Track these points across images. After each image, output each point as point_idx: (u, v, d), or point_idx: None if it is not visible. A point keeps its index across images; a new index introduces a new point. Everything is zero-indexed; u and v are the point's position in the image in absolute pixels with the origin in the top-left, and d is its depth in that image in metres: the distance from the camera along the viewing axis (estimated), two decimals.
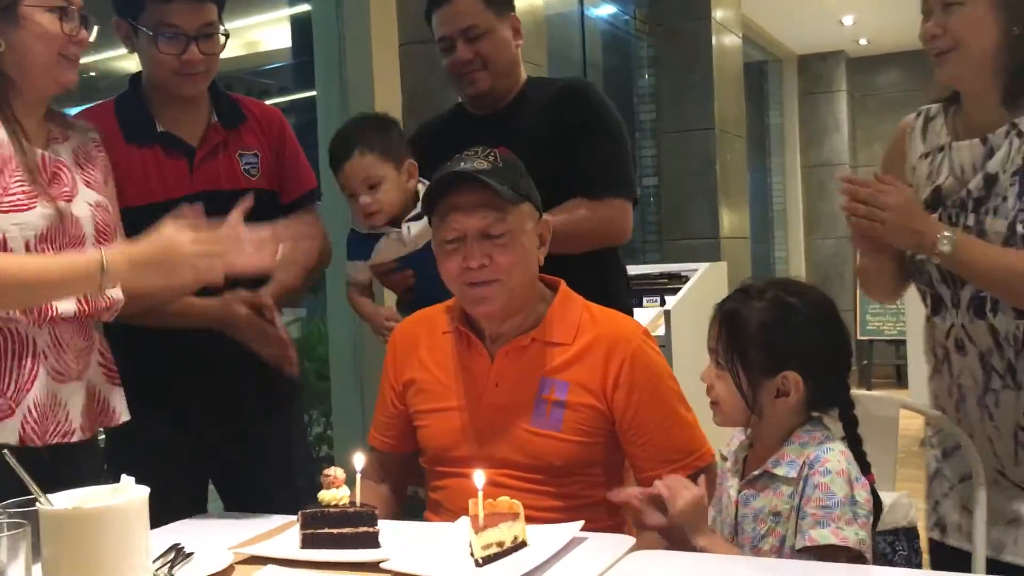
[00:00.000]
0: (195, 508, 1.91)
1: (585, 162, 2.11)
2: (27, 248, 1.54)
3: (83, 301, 1.62)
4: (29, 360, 1.58)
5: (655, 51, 5.39)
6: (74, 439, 1.63)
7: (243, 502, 1.98)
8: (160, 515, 1.63)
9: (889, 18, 6.94)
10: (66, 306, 1.59)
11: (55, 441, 1.59)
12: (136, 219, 1.74)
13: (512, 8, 2.19)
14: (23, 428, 1.56)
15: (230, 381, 1.95)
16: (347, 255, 2.12)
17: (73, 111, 1.90)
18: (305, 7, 3.17)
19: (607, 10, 5.29)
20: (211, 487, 2.11)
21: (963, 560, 1.69)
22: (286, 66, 3.48)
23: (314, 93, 3.01)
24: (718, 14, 5.27)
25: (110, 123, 1.91)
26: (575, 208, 2.08)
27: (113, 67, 4.35)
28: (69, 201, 1.63)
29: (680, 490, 1.45)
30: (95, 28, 1.66)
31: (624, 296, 2.30)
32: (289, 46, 3.38)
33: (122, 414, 1.75)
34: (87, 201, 1.67)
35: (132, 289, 1.66)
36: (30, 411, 1.57)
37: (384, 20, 2.93)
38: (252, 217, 1.69)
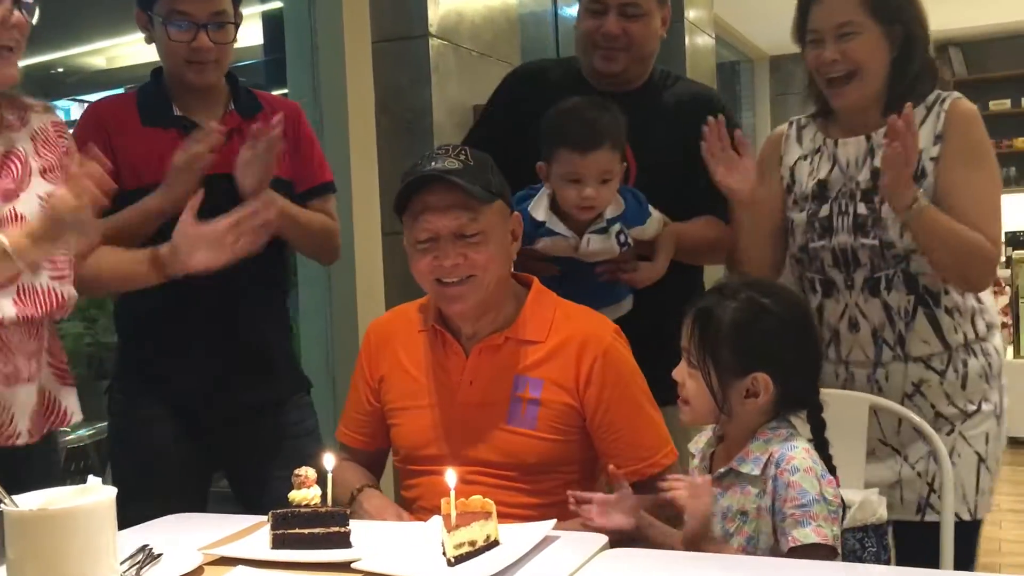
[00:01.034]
0: (196, 504, 1.94)
1: (717, 190, 2.02)
2: None
3: (23, 303, 1.58)
4: None
5: None
6: (19, 442, 1.60)
7: (252, 498, 2.00)
8: (161, 511, 1.66)
9: None
10: (6, 311, 1.56)
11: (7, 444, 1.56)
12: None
13: (668, 1, 2.13)
14: None
15: (235, 372, 1.97)
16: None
17: (93, 97, 1.87)
18: (277, 4, 3.15)
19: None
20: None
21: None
22: (258, 63, 3.45)
23: (286, 91, 2.98)
24: (691, 14, 5.29)
25: (129, 109, 1.96)
26: (717, 227, 2.07)
27: (81, 63, 4.31)
28: (15, 197, 1.60)
29: (699, 498, 1.43)
30: (35, 12, 1.59)
31: None
32: (261, 43, 3.34)
33: (74, 414, 1.73)
34: (38, 193, 1.64)
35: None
36: None
37: (357, 17, 2.92)
38: None
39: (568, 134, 1.92)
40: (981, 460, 1.90)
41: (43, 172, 1.68)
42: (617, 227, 1.97)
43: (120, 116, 1.94)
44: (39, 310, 1.61)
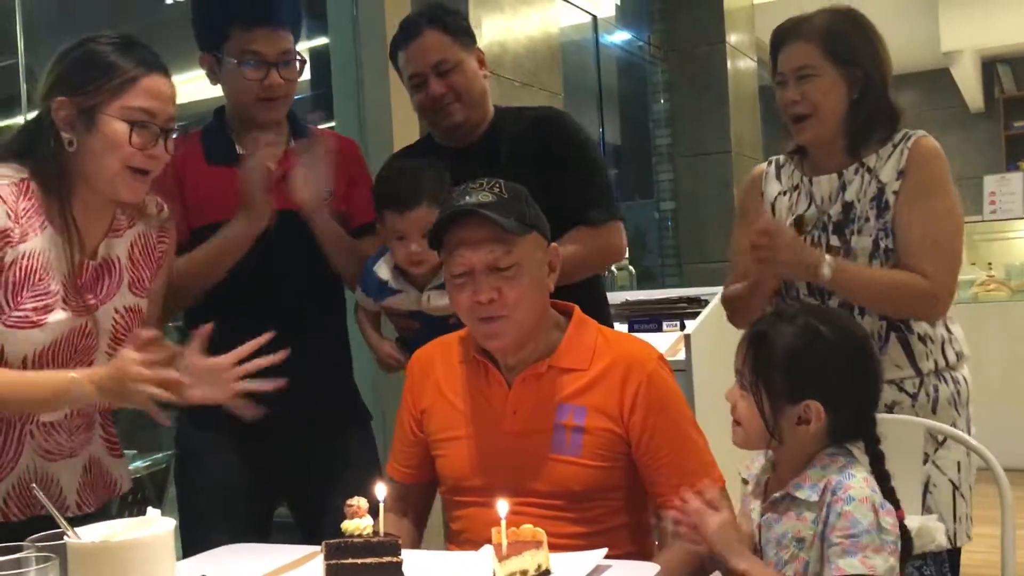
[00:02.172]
0: (261, 533, 1.97)
1: (578, 193, 2.13)
2: (23, 362, 1.55)
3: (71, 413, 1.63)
4: (14, 441, 1.59)
5: (670, 76, 5.42)
6: (68, 515, 1.61)
7: (313, 527, 2.03)
8: (227, 540, 1.70)
9: (900, 39, 6.92)
10: (51, 416, 1.61)
11: (41, 513, 1.55)
12: (215, 233, 1.93)
13: (475, 41, 2.23)
14: (6, 504, 1.58)
15: (299, 402, 1.98)
16: (361, 283, 2.10)
17: None
18: (323, 40, 3.21)
19: (621, 36, 5.33)
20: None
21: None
22: (305, 98, 3.51)
23: (333, 124, 3.04)
24: (732, 38, 5.29)
25: (195, 149, 2.03)
26: (582, 238, 2.11)
27: None
28: (95, 310, 1.64)
29: (706, 515, 1.44)
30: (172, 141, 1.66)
31: (609, 321, 2.30)
32: (308, 78, 3.41)
33: (124, 485, 1.78)
34: (117, 307, 1.68)
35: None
36: (13, 488, 1.59)
37: None
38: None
39: (388, 195, 2.02)
40: (955, 488, 1.93)
41: (131, 284, 1.71)
42: None
43: (187, 157, 1.99)
44: (88, 408, 1.66)
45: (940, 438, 1.91)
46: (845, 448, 1.49)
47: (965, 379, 1.99)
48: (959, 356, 1.99)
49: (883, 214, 1.91)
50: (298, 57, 2.02)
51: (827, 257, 1.87)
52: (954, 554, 1.95)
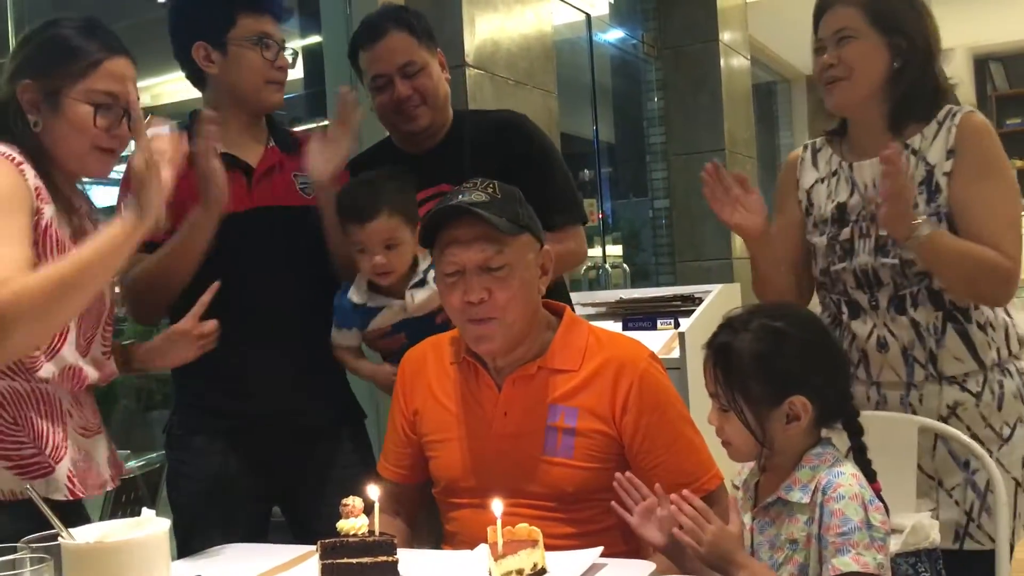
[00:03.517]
0: (257, 534, 1.98)
1: (539, 196, 2.04)
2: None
3: (97, 369, 1.67)
4: (60, 420, 1.62)
5: (663, 74, 5.42)
6: (108, 488, 1.69)
7: (306, 528, 2.03)
8: (222, 541, 1.72)
9: None
10: (91, 375, 1.65)
11: (95, 494, 1.65)
12: None
13: (437, 44, 2.21)
14: (71, 482, 1.60)
15: (293, 396, 2.02)
16: (336, 322, 2.05)
17: None
18: (317, 39, 3.21)
19: (615, 35, 5.32)
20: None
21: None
22: (298, 96, 3.51)
23: (326, 123, 3.03)
24: (725, 36, 5.29)
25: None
26: (554, 238, 2.05)
27: None
28: None
29: (700, 527, 1.42)
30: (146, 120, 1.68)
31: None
32: (301, 77, 3.41)
33: (122, 464, 1.82)
34: None
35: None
36: (74, 466, 1.61)
37: None
38: (307, 235, 1.98)
39: (348, 207, 1.99)
40: (1018, 485, 1.85)
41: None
42: (428, 268, 1.98)
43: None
44: (103, 373, 1.70)
45: (1005, 433, 1.84)
46: (831, 444, 1.49)
47: None
48: (1021, 344, 1.89)
49: (934, 198, 1.81)
50: (291, 49, 2.06)
51: (922, 217, 1.76)
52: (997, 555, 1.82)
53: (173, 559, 1.67)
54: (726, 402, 1.47)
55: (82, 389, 1.66)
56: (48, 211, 1.57)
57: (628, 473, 1.56)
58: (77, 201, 1.69)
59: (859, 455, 1.49)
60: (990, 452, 1.82)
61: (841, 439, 1.53)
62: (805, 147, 2.06)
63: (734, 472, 1.64)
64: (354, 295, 2.03)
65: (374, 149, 2.33)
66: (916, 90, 1.86)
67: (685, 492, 1.48)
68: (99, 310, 1.68)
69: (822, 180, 1.98)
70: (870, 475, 1.47)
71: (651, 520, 1.50)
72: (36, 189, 1.56)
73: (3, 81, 1.65)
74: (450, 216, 1.64)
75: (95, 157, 1.65)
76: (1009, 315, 1.89)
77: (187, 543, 1.93)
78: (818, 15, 1.93)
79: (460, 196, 1.64)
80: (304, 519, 2.08)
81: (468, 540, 1.63)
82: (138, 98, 1.68)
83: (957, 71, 8.05)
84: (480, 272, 1.63)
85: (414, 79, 2.11)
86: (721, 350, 1.48)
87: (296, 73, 3.37)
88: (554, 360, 1.70)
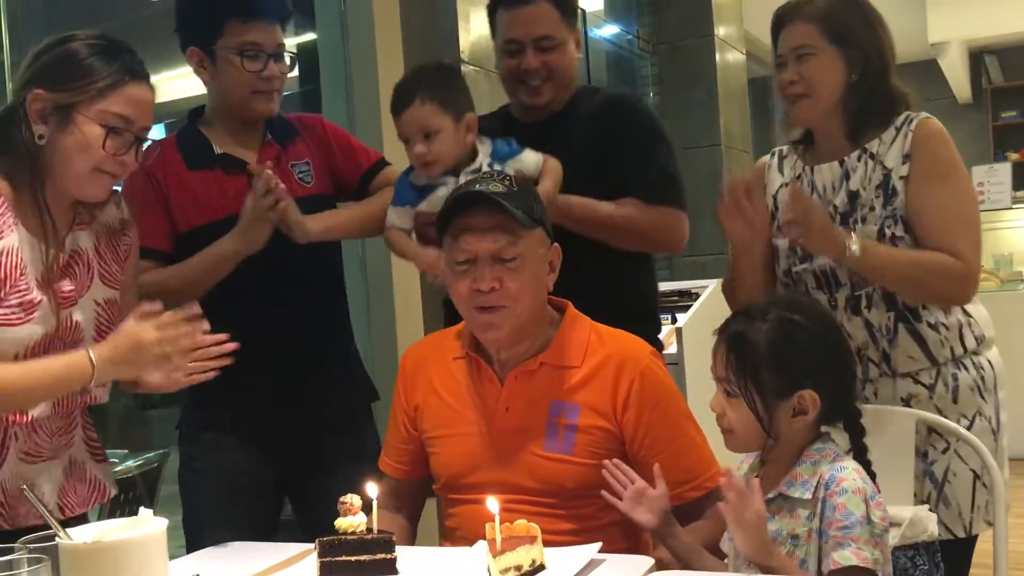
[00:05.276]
0: (268, 531, 1.98)
1: (637, 172, 2.09)
2: (15, 358, 1.54)
3: (58, 403, 1.62)
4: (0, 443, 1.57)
5: (659, 69, 5.41)
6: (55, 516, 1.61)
7: (317, 523, 2.01)
8: (230, 538, 1.72)
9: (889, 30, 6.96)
10: (41, 410, 1.59)
11: (30, 523, 1.55)
12: (202, 238, 1.93)
13: (578, 22, 2.16)
14: None
15: (301, 389, 2.01)
16: (393, 201, 2.03)
17: None
18: (311, 36, 3.20)
19: (610, 30, 5.32)
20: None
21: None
22: (294, 95, 3.50)
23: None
24: (720, 31, 5.28)
25: (173, 156, 2.00)
26: (638, 206, 2.07)
27: None
28: (73, 305, 1.62)
29: (746, 505, 1.38)
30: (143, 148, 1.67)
31: (652, 313, 2.27)
32: (296, 75, 3.40)
33: (110, 490, 1.76)
34: (95, 299, 1.67)
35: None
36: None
37: (390, 47, 2.96)
38: None
39: (392, 103, 1.98)
40: (976, 476, 1.87)
41: (103, 277, 1.70)
42: (488, 161, 1.97)
43: (167, 166, 1.98)
44: (70, 405, 1.64)
45: (963, 424, 1.85)
46: (831, 440, 1.50)
47: (991, 363, 1.92)
48: (980, 340, 1.92)
49: (891, 201, 1.87)
50: (289, 53, 2.02)
51: (853, 235, 1.82)
52: (967, 543, 1.89)
53: (180, 555, 1.68)
54: (737, 388, 1.47)
55: (17, 425, 1.59)
56: (9, 240, 1.54)
57: (615, 460, 1.57)
58: (63, 225, 1.64)
59: (860, 455, 1.49)
60: (948, 445, 1.87)
61: (840, 436, 1.53)
62: (773, 154, 2.11)
63: (734, 466, 1.64)
64: (414, 177, 2.00)
65: (488, 116, 2.26)
66: (873, 99, 1.92)
67: (726, 470, 1.47)
68: (73, 339, 1.63)
69: (786, 184, 2.03)
70: (870, 476, 1.47)
71: (641, 502, 1.52)
72: None
73: (14, 88, 1.62)
74: (468, 203, 1.64)
75: (95, 180, 1.61)
76: (967, 313, 1.92)
77: (196, 538, 1.92)
78: (776, 30, 1.98)
79: (477, 185, 1.65)
80: (312, 513, 2.07)
81: (469, 536, 1.63)
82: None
83: (952, 64, 8.06)
84: (492, 262, 1.63)
85: (547, 54, 2.06)
86: (737, 337, 1.49)
87: (291, 71, 3.37)
88: (557, 356, 1.70)
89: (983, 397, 1.90)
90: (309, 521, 2.09)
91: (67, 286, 1.62)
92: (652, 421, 1.65)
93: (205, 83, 2.04)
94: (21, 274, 1.55)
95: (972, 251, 1.84)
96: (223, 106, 2.05)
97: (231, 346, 1.65)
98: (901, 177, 1.87)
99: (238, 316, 1.83)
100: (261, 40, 1.96)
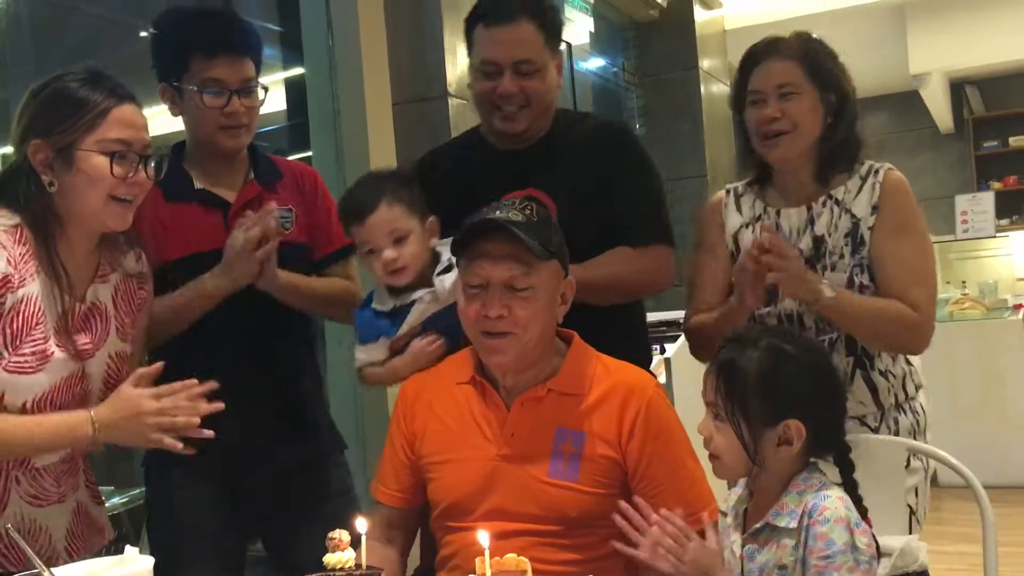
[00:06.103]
0: (234, 570, 1.96)
1: (626, 209, 2.01)
2: (22, 409, 1.55)
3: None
4: (0, 488, 1.58)
5: (644, 101, 5.46)
6: (59, 563, 1.58)
7: (289, 562, 1.99)
8: (197, 574, 1.69)
9: (870, 62, 7.05)
10: (44, 459, 1.61)
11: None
12: (177, 270, 1.91)
13: (560, 44, 2.04)
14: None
15: (270, 433, 1.99)
16: (358, 339, 1.93)
17: None
18: (299, 70, 3.22)
19: (596, 63, 5.37)
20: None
21: None
22: (281, 128, 3.51)
23: (310, 154, 3.04)
24: (705, 64, 5.35)
25: (152, 188, 1.95)
26: (621, 259, 1.98)
27: None
28: (90, 356, 1.64)
29: (681, 544, 1.43)
30: (162, 170, 1.68)
31: (644, 347, 2.23)
32: (284, 108, 3.41)
33: (108, 532, 1.76)
34: (109, 353, 1.68)
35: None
36: (1, 538, 1.56)
37: (377, 81, 2.98)
38: (285, 270, 1.92)
39: (347, 208, 1.90)
40: (912, 512, 1.94)
41: (117, 330, 1.70)
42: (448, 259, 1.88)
43: (146, 197, 1.97)
44: (76, 451, 1.65)
45: (904, 464, 1.91)
46: (819, 470, 1.50)
47: (923, 407, 2.01)
48: (917, 387, 2.01)
49: (859, 249, 1.90)
50: (260, 86, 1.99)
51: (825, 280, 1.85)
52: None
53: None
54: (724, 412, 1.48)
55: (20, 469, 1.60)
56: (30, 288, 1.55)
57: (635, 498, 1.54)
58: (84, 276, 1.65)
59: (850, 491, 1.49)
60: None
61: (830, 468, 1.53)
62: (727, 191, 2.09)
63: (722, 498, 1.64)
64: (378, 304, 1.93)
65: (460, 140, 2.16)
66: (843, 143, 1.94)
67: (663, 511, 1.48)
68: (82, 391, 1.64)
69: (747, 225, 2.02)
70: (862, 511, 1.46)
71: (660, 552, 1.47)
72: (5, 277, 1.53)
73: (12, 145, 1.62)
74: (485, 230, 1.64)
75: (112, 209, 1.61)
76: (909, 363, 1.99)
77: None
78: (750, 65, 1.97)
79: (497, 212, 1.65)
80: (285, 553, 2.05)
81: (463, 565, 1.62)
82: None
83: (934, 95, 8.16)
84: (504, 290, 1.63)
85: (526, 79, 1.94)
86: (727, 363, 1.49)
87: (279, 105, 3.38)
88: (564, 384, 1.70)
89: (916, 439, 1.97)
90: (280, 562, 2.07)
91: (84, 339, 1.63)
92: (655, 451, 1.65)
93: (180, 119, 2.03)
94: (38, 323, 1.56)
95: (927, 303, 1.89)
96: (194, 142, 2.04)
97: (211, 385, 1.65)
98: (869, 227, 1.91)
99: (207, 356, 1.83)
100: (223, 76, 1.93)
